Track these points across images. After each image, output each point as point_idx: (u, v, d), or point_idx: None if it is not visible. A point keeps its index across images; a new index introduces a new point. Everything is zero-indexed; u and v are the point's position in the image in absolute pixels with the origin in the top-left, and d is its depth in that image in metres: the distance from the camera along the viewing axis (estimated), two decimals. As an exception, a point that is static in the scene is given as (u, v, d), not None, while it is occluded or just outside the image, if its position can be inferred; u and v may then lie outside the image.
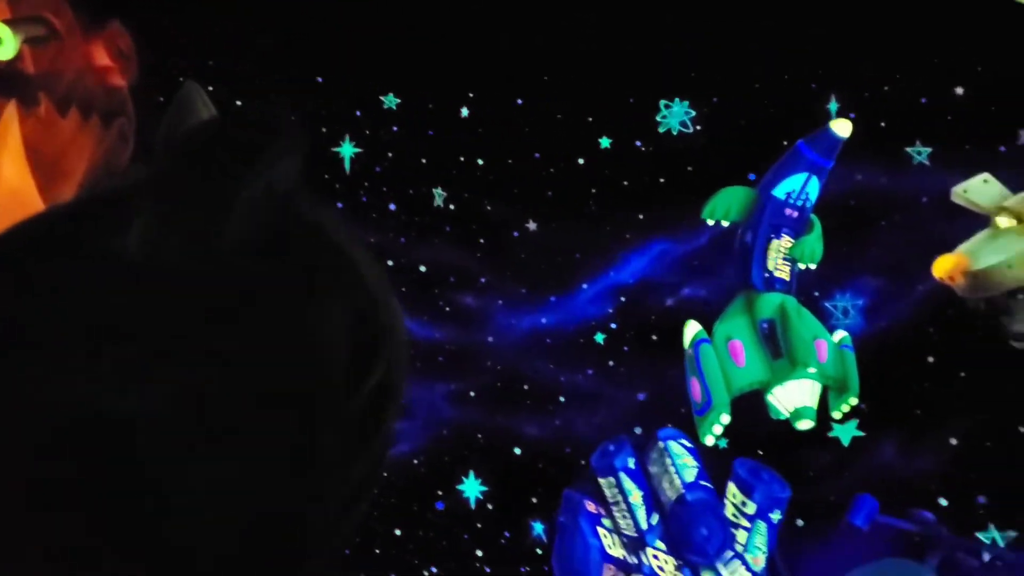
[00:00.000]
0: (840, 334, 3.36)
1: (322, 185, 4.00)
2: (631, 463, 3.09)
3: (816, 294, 4.30)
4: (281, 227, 0.69)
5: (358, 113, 4.17)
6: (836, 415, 3.32)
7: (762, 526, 3.02)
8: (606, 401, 4.31)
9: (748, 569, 2.98)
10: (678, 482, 3.00)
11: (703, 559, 2.95)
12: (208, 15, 3.76)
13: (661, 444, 3.06)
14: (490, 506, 4.29)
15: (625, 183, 4.36)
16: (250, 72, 3.95)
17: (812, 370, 3.23)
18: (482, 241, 4.33)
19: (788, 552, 3.04)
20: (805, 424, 3.24)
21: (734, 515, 3.03)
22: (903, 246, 4.17)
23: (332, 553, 0.70)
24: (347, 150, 4.15)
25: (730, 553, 2.97)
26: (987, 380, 4.06)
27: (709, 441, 3.25)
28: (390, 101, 4.17)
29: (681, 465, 3.03)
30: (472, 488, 4.33)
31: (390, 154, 4.24)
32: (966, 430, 4.15)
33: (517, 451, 4.31)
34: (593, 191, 4.37)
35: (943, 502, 4.16)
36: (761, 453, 4.32)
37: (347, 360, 0.69)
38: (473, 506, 4.31)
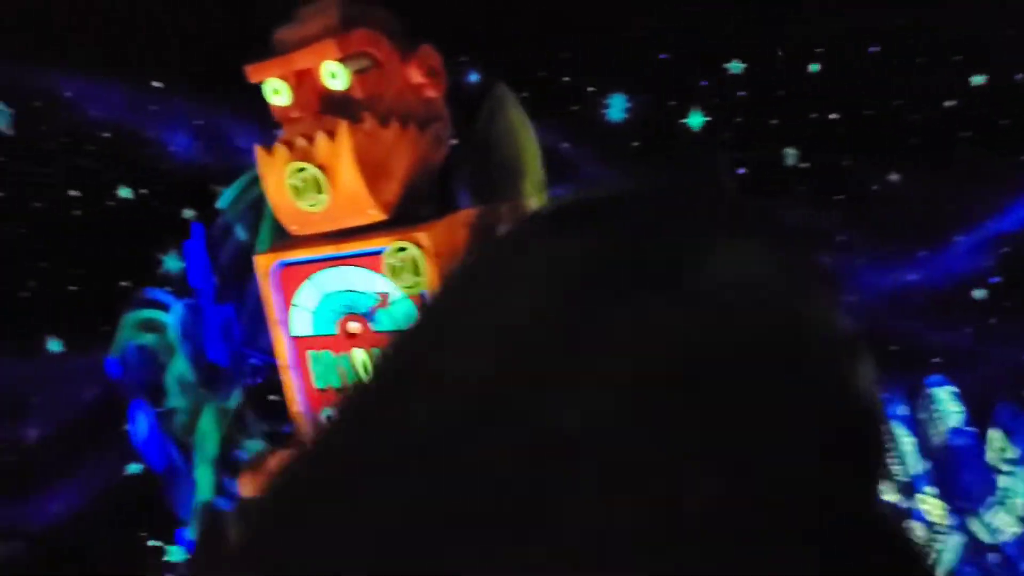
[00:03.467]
0: None
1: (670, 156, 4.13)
2: (903, 410, 2.99)
3: None
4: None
5: (703, 83, 4.25)
6: None
7: (1023, 472, 2.81)
8: (986, 361, 4.02)
9: (1009, 515, 2.78)
10: (943, 428, 2.87)
11: (969, 504, 2.81)
12: (515, 23, 4.05)
13: (928, 391, 2.93)
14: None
15: (1003, 122, 4.00)
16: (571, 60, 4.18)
17: None
18: (839, 198, 4.21)
19: None
20: None
21: (996, 461, 2.83)
22: None
23: None
24: (695, 120, 4.25)
25: (992, 498, 2.79)
26: None
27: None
28: (735, 67, 4.20)
29: (947, 411, 2.89)
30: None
31: (738, 119, 4.25)
32: None
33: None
34: (965, 134, 4.06)
35: None
36: None
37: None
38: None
